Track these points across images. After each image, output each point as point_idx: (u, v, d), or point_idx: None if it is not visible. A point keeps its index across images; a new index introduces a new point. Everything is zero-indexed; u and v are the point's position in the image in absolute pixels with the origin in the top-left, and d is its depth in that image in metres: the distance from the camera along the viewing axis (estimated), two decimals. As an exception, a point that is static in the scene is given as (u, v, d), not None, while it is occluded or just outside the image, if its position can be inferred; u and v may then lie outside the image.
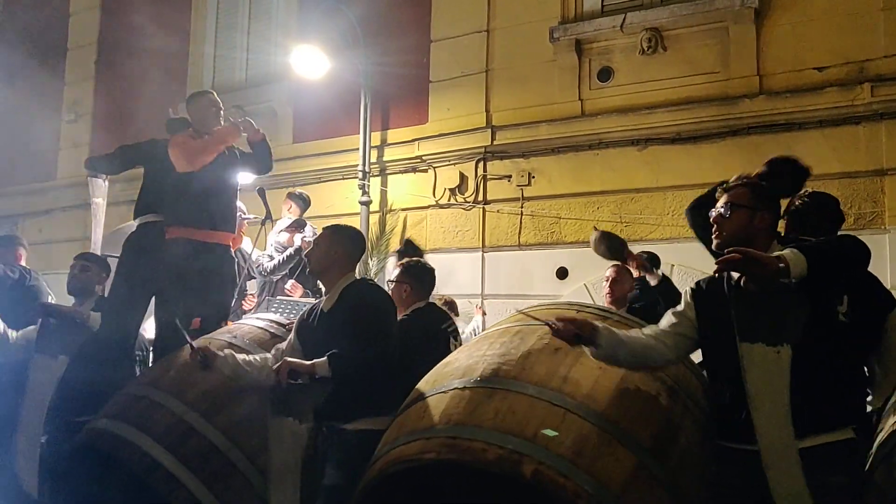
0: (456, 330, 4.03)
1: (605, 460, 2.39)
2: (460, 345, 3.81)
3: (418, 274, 3.98)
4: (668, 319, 2.76)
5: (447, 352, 3.51)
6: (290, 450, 3.16)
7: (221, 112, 4.82)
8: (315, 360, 3.15)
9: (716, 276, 2.73)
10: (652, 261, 5.53)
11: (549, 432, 2.38)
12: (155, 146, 4.90)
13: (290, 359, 3.18)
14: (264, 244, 6.09)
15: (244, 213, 5.93)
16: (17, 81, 11.24)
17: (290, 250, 6.00)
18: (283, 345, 3.54)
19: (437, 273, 4.15)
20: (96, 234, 5.86)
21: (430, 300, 4.09)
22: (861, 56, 5.99)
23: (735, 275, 2.66)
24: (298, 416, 3.16)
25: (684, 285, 5.87)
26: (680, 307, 2.77)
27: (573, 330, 2.57)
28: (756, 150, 6.22)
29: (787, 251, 2.30)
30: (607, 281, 4.77)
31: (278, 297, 5.61)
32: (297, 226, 6.24)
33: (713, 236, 2.69)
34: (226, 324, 4.73)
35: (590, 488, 2.30)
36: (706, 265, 5.54)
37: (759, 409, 2.35)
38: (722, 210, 2.66)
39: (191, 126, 4.88)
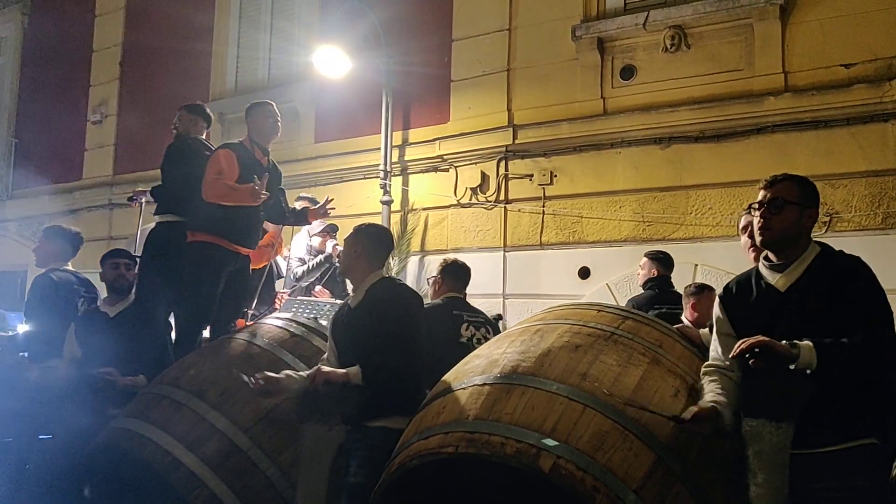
0: (475, 319, 4.36)
1: (624, 455, 2.38)
2: (475, 330, 4.22)
3: (451, 271, 4.56)
4: (714, 345, 2.74)
5: (457, 333, 4.17)
6: (321, 456, 3.19)
7: (278, 123, 4.93)
8: (349, 369, 3.17)
9: (744, 276, 2.73)
10: (665, 261, 5.50)
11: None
12: (185, 146, 4.97)
13: (324, 367, 3.19)
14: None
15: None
16: (43, 83, 11.43)
17: (321, 257, 6.02)
18: (327, 353, 3.57)
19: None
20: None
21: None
22: (889, 52, 5.87)
23: (763, 272, 2.64)
24: (330, 421, 3.18)
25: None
26: (716, 326, 2.75)
27: (707, 425, 2.50)
28: (781, 148, 6.15)
29: (805, 343, 2.30)
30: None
31: (298, 297, 5.63)
32: (330, 230, 6.22)
33: (757, 231, 2.61)
34: (248, 323, 4.79)
35: (608, 483, 2.30)
36: (730, 265, 5.54)
37: (756, 480, 2.34)
38: (770, 205, 2.58)
39: (207, 123, 5.19)
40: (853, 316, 2.39)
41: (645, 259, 5.53)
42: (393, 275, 7.27)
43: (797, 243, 2.57)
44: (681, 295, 5.24)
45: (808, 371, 2.28)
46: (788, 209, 2.56)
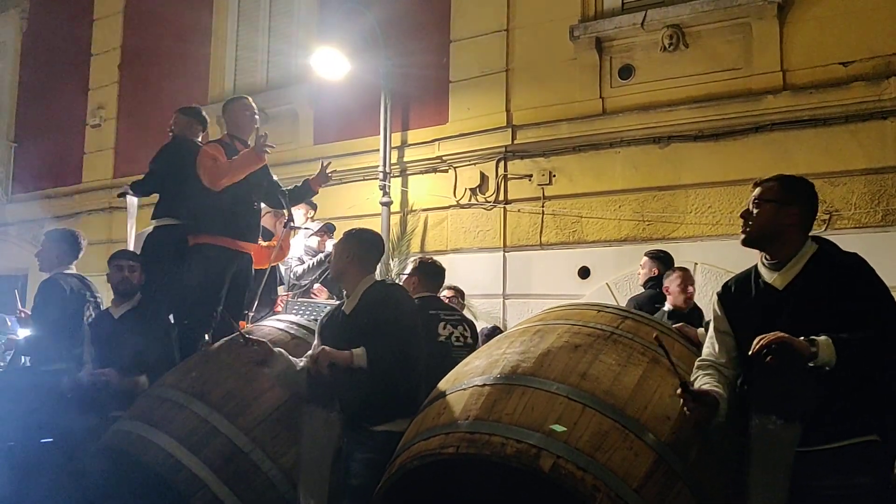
0: (452, 317, 4.37)
1: (624, 454, 2.38)
2: (453, 328, 4.23)
3: (427, 270, 4.52)
4: (710, 342, 2.74)
5: (434, 333, 4.12)
6: (322, 440, 3.18)
7: (256, 115, 4.97)
8: (353, 350, 3.17)
9: (743, 275, 2.74)
10: (666, 260, 5.54)
11: (558, 427, 2.38)
12: (181, 149, 4.99)
13: (328, 349, 3.18)
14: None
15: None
16: (42, 87, 11.43)
17: (321, 255, 6.04)
18: (312, 351, 3.55)
19: (458, 273, 4.49)
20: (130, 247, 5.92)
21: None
22: (887, 50, 5.87)
23: (762, 270, 2.65)
24: (331, 405, 3.18)
25: (708, 283, 5.89)
26: (713, 324, 2.75)
27: (706, 411, 2.49)
28: (780, 146, 6.15)
29: (823, 339, 2.27)
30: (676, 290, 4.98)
31: (300, 299, 5.64)
32: (327, 230, 6.25)
33: (741, 231, 2.68)
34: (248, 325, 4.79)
35: (608, 482, 2.30)
36: (729, 263, 5.56)
37: (757, 478, 2.33)
38: (750, 205, 2.65)
39: (203, 126, 5.25)
40: (855, 313, 2.38)
41: (645, 258, 5.56)
42: (393, 276, 7.30)
43: (782, 241, 2.59)
44: None
45: (827, 368, 2.26)
46: (765, 207, 2.61)
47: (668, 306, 4.99)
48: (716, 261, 6.08)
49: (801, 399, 2.31)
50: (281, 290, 6.10)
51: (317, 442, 3.18)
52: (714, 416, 2.48)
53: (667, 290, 4.97)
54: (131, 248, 5.83)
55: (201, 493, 3.31)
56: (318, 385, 3.18)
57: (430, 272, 4.53)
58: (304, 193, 5.30)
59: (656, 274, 5.39)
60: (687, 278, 5.01)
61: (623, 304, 5.78)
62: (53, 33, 11.45)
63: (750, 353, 2.34)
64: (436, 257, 7.09)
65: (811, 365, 2.27)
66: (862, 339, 2.30)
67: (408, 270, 4.59)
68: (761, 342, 2.28)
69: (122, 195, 6.13)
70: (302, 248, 6.21)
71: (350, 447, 3.24)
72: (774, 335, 2.28)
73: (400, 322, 3.26)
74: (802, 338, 2.28)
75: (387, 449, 2.99)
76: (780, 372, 2.30)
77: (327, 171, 5.22)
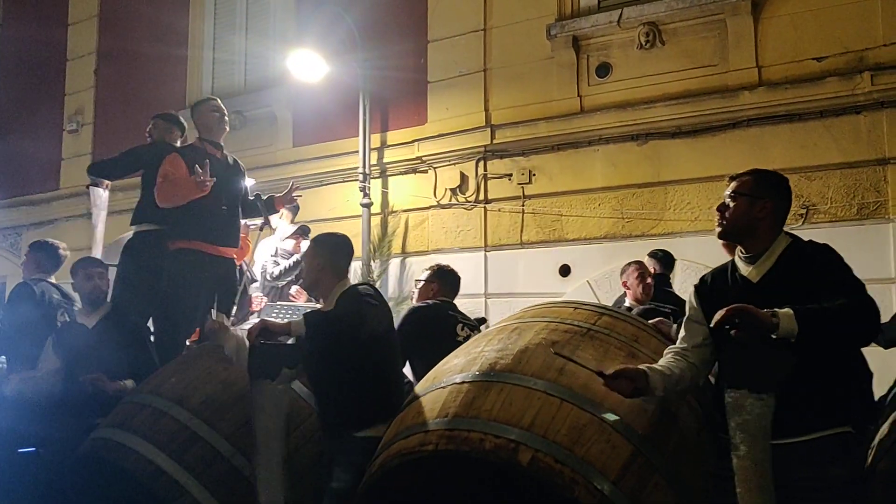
0: (467, 321, 4.41)
1: (602, 447, 2.40)
2: (470, 331, 4.24)
3: (445, 277, 4.62)
4: (682, 333, 2.76)
5: (453, 332, 4.17)
6: (272, 415, 3.19)
7: (225, 117, 4.92)
8: (291, 320, 3.21)
9: (720, 269, 2.77)
10: (664, 259, 5.58)
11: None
12: (156, 152, 4.95)
13: (265, 318, 3.20)
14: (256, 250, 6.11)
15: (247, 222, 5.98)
16: (17, 93, 11.31)
17: (297, 256, 6.02)
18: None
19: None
20: (96, 246, 5.87)
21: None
22: (860, 45, 5.94)
23: (738, 264, 2.68)
24: (275, 377, 3.20)
25: (687, 280, 5.92)
26: (687, 314, 2.77)
27: (629, 384, 2.49)
28: (757, 142, 6.20)
29: (784, 310, 2.28)
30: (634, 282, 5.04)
31: (279, 302, 5.62)
32: (302, 232, 6.24)
33: (716, 225, 2.72)
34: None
35: (586, 474, 2.31)
36: (709, 260, 5.58)
37: (739, 453, 2.33)
38: (726, 199, 2.69)
39: (181, 132, 5.27)
40: (826, 295, 2.39)
41: (646, 257, 5.62)
42: (374, 277, 7.29)
43: (756, 234, 2.62)
44: (674, 294, 5.34)
45: (791, 339, 2.26)
46: (739, 201, 2.65)
47: (628, 301, 5.03)
48: (695, 257, 6.12)
49: (771, 372, 2.32)
50: (255, 287, 6.08)
51: (266, 414, 3.18)
52: (645, 387, 2.49)
53: (625, 286, 5.04)
54: (99, 248, 5.79)
55: (182, 500, 3.30)
56: (261, 358, 3.17)
57: (448, 279, 4.65)
58: (266, 208, 5.18)
59: (652, 273, 5.42)
60: (643, 270, 5.10)
61: (604, 301, 5.82)
62: (28, 38, 11.32)
63: (712, 324, 2.35)
64: (417, 258, 7.15)
65: (774, 337, 2.27)
66: (826, 310, 2.31)
67: (424, 277, 4.63)
68: (722, 314, 2.30)
69: (92, 185, 6.04)
70: (276, 249, 6.19)
71: (332, 453, 3.26)
72: (735, 305, 2.29)
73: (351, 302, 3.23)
74: (765, 310, 2.29)
75: (368, 453, 2.99)
76: (747, 344, 2.31)
77: (293, 194, 5.15)
